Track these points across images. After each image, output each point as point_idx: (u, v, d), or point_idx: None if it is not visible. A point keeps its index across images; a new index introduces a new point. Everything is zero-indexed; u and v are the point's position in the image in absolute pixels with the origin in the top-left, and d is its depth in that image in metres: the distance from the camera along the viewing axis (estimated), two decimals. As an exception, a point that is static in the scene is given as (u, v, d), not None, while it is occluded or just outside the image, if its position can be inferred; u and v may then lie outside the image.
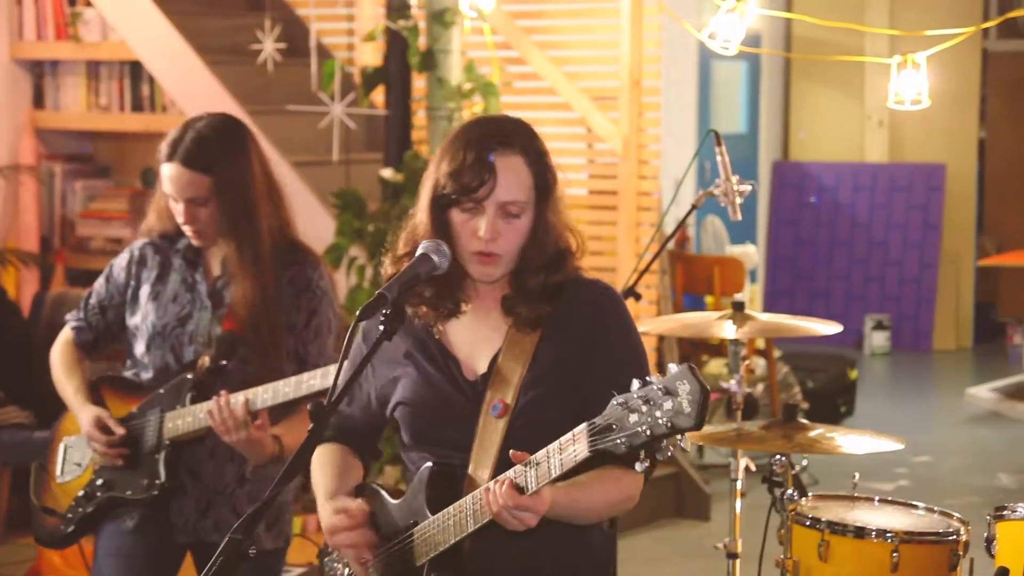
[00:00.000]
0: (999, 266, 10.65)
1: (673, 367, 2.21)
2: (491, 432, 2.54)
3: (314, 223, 6.15)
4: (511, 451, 2.39)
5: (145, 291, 3.47)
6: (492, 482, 2.39)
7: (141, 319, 3.46)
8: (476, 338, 2.63)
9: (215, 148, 3.35)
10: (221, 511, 3.42)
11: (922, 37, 4.88)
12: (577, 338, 2.58)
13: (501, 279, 2.60)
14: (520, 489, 2.35)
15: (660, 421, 2.17)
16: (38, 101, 7.24)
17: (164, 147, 3.37)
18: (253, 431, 3.20)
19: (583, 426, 2.28)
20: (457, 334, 2.65)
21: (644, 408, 2.19)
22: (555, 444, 2.33)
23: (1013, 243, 11.31)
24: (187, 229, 3.37)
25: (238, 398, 3.20)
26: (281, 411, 3.31)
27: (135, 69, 6.96)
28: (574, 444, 2.29)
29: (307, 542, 5.01)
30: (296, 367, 3.35)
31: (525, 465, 2.36)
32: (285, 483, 2.31)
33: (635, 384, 2.23)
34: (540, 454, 2.35)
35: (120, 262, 3.54)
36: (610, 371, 2.52)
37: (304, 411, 3.29)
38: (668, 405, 2.17)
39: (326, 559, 2.77)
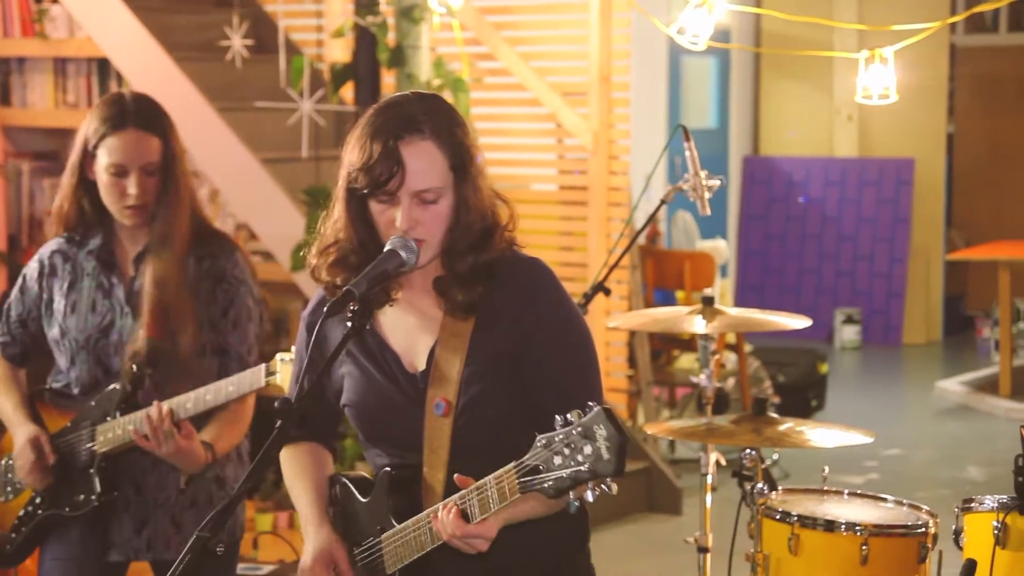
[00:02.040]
0: (968, 260, 10.70)
1: (592, 407, 2.17)
2: (438, 432, 2.50)
3: (284, 220, 6.14)
4: (455, 475, 2.36)
5: (59, 303, 3.37)
6: (440, 506, 2.37)
7: (60, 334, 3.36)
8: (411, 327, 2.57)
9: (160, 112, 3.33)
10: (159, 525, 3.35)
11: (890, 32, 4.90)
12: (511, 328, 2.50)
13: (431, 263, 2.53)
14: (466, 516, 2.33)
15: (581, 468, 2.15)
16: (4, 98, 7.19)
17: (104, 121, 3.28)
18: (180, 441, 3.14)
19: (511, 466, 2.25)
20: (392, 323, 2.59)
21: (566, 451, 2.17)
22: (491, 478, 2.30)
23: (982, 237, 11.37)
24: (131, 203, 3.25)
25: (162, 408, 3.13)
26: (205, 417, 3.25)
27: (103, 66, 6.92)
28: (506, 480, 2.27)
29: (279, 539, 5.00)
30: (220, 360, 3.30)
31: (468, 491, 2.34)
32: (252, 481, 2.31)
33: (557, 420, 2.19)
34: (482, 482, 2.32)
35: (31, 273, 3.44)
36: (549, 361, 2.48)
37: (229, 413, 3.26)
38: (588, 450, 2.15)
39: None
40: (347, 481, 2.66)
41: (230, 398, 3.13)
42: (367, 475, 2.67)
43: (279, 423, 2.31)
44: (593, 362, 2.56)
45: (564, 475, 2.17)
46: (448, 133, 2.48)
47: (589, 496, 2.18)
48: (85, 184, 3.32)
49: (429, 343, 2.55)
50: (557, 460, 2.17)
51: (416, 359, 2.56)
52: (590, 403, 2.17)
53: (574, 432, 2.16)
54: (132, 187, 3.25)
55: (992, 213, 12.02)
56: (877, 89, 4.69)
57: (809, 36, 10.72)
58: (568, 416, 2.18)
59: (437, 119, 2.48)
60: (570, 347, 2.52)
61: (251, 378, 3.12)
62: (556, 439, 2.18)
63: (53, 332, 3.38)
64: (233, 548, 3.49)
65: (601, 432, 2.14)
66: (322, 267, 2.56)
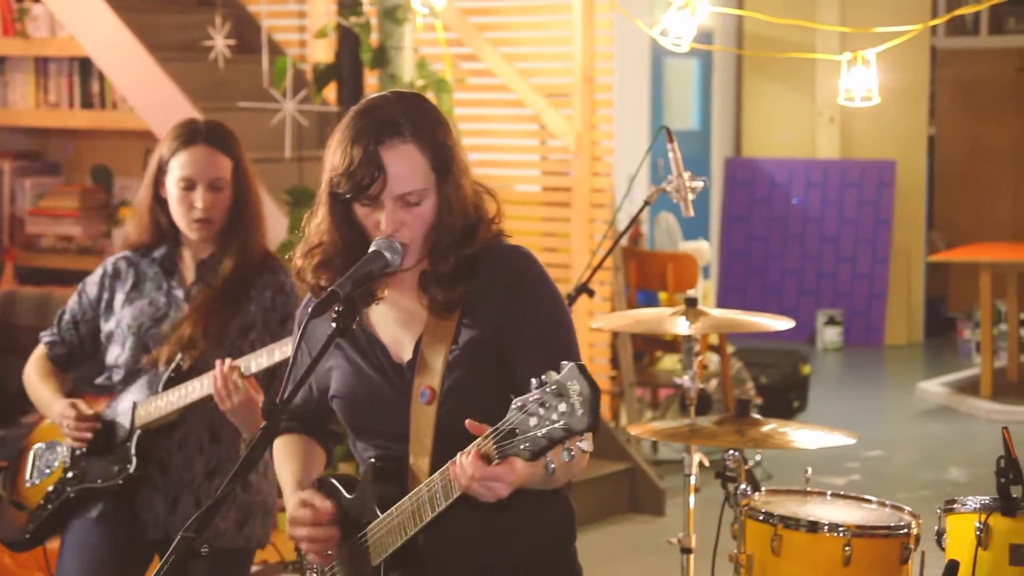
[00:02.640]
0: (949, 262, 10.74)
1: (564, 365, 2.15)
2: (423, 420, 2.51)
3: (267, 220, 6.12)
4: (467, 421, 2.31)
5: (119, 299, 3.53)
6: (459, 455, 2.32)
7: (115, 324, 3.51)
8: (399, 321, 2.59)
9: (231, 136, 3.53)
10: (188, 506, 3.44)
11: (872, 34, 4.91)
12: (495, 315, 2.51)
13: (416, 264, 2.54)
14: (487, 458, 2.28)
15: (556, 426, 2.14)
16: (-14, 98, 7.18)
17: (176, 139, 3.46)
18: (250, 391, 3.25)
19: (488, 431, 2.24)
20: (380, 318, 2.60)
21: (541, 411, 2.15)
22: (473, 444, 2.29)
23: (963, 239, 11.41)
24: (198, 216, 3.42)
25: (228, 362, 3.27)
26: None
27: (84, 66, 6.90)
28: (483, 448, 2.25)
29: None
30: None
31: (486, 436, 2.30)
32: (239, 479, 2.30)
33: (533, 383, 2.18)
34: (500, 424, 2.29)
35: (93, 278, 3.60)
36: (533, 346, 2.49)
37: None
38: (562, 407, 2.13)
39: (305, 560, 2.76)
40: (334, 481, 2.66)
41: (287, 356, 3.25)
42: (352, 474, 2.69)
43: (264, 424, 2.31)
44: (573, 338, 2.57)
45: (539, 435, 2.16)
46: (429, 134, 2.48)
47: (565, 456, 2.16)
48: (159, 202, 3.49)
49: (416, 335, 2.56)
50: (532, 421, 2.16)
51: (403, 351, 2.58)
52: (563, 362, 2.16)
53: (547, 391, 2.15)
54: (199, 200, 3.42)
55: (973, 215, 12.06)
56: (859, 91, 4.71)
57: (791, 38, 10.75)
58: (543, 377, 2.17)
59: (418, 120, 2.48)
60: (551, 322, 2.52)
61: None
62: (530, 400, 2.17)
63: (109, 325, 3.52)
64: (243, 557, 3.55)
65: (575, 387, 2.13)
66: (307, 269, 2.56)
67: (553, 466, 2.19)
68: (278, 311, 3.48)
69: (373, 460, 2.56)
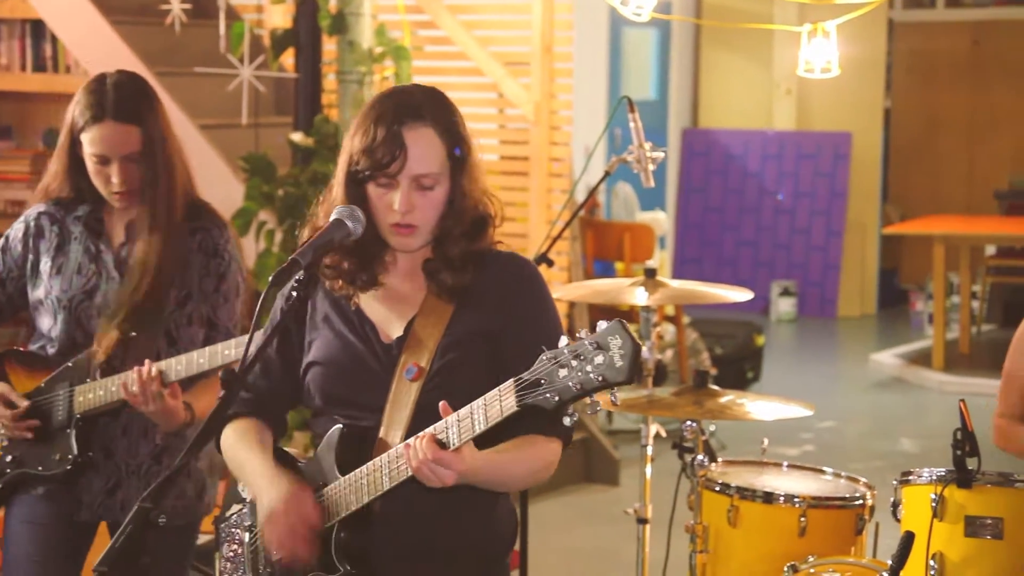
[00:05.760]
0: (903, 234, 10.81)
1: (603, 324, 2.23)
2: (404, 395, 2.54)
3: (223, 187, 6.07)
4: (441, 403, 2.39)
5: (46, 264, 3.38)
6: (413, 437, 2.39)
7: (44, 294, 3.37)
8: (391, 302, 2.64)
9: (140, 98, 3.31)
10: (131, 490, 3.36)
11: (830, 6, 4.92)
12: (495, 308, 2.59)
13: (420, 249, 2.61)
14: (441, 444, 2.36)
15: (591, 376, 2.20)
16: (-64, 60, 7.08)
17: (83, 111, 3.28)
18: (168, 400, 3.17)
19: (510, 381, 2.29)
20: (374, 301, 2.65)
21: (574, 363, 2.21)
22: (479, 401, 2.35)
23: (916, 211, 11.49)
24: (116, 189, 3.28)
25: (152, 369, 3.16)
26: (189, 379, 3.27)
27: (37, 28, 6.81)
28: (500, 399, 2.30)
29: (215, 509, 4.96)
30: (207, 332, 3.32)
31: (449, 420, 2.37)
32: (196, 451, 2.29)
33: (563, 340, 2.25)
34: (464, 410, 2.36)
35: (16, 233, 3.44)
36: (526, 344, 2.50)
37: (212, 379, 3.26)
38: (599, 359, 2.20)
39: (223, 525, 2.74)
40: (285, 450, 2.66)
41: (226, 361, 3.14)
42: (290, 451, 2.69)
43: (223, 393, 2.30)
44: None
45: (570, 385, 2.22)
46: (448, 123, 2.57)
47: (588, 410, 2.23)
48: (76, 162, 3.34)
49: (407, 317, 2.61)
50: (562, 372, 2.23)
51: (392, 330, 2.62)
52: (600, 321, 2.23)
53: (587, 343, 2.21)
54: (115, 175, 3.27)
55: (927, 188, 12.14)
56: (819, 63, 4.72)
57: (749, 9, 10.76)
58: (578, 333, 2.24)
59: (438, 109, 2.58)
60: (548, 334, 2.54)
61: (227, 350, 3.14)
62: (564, 351, 2.23)
63: (37, 293, 3.38)
64: (184, 533, 3.47)
65: (616, 342, 2.20)
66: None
67: (576, 417, 2.26)
68: (212, 275, 3.34)
69: (340, 426, 2.57)
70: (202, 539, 4.52)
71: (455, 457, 2.36)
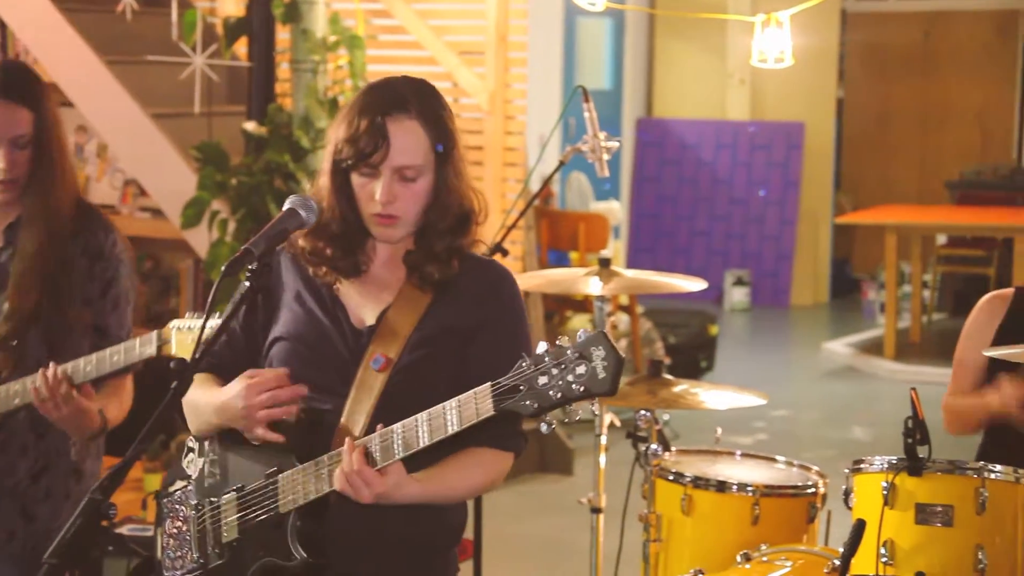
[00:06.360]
0: (855, 223, 10.88)
1: (583, 333, 2.24)
2: (369, 385, 2.54)
3: (175, 177, 6.04)
4: (378, 426, 2.40)
5: None
6: (350, 441, 2.41)
7: None
8: (367, 292, 2.64)
9: (32, 81, 3.12)
10: (6, 513, 3.14)
11: (784, -4, 4.94)
12: (471, 308, 2.60)
13: (402, 240, 2.61)
14: (371, 459, 2.38)
15: (573, 386, 2.21)
16: None
17: None
18: (80, 402, 2.99)
19: (487, 385, 2.30)
20: (350, 286, 2.65)
21: (555, 371, 2.22)
22: (453, 402, 2.35)
23: (869, 201, 11.57)
24: (0, 177, 3.05)
25: (57, 372, 2.97)
26: (94, 384, 3.08)
27: (-14, 16, 6.74)
28: (476, 402, 2.31)
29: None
30: (95, 340, 3.12)
31: (420, 418, 2.38)
32: (148, 442, 2.27)
33: (543, 346, 2.25)
34: (436, 409, 2.36)
35: None
36: (496, 348, 2.54)
37: (121, 381, 3.14)
38: (581, 370, 2.21)
39: (165, 500, 2.71)
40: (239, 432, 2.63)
41: (130, 361, 2.99)
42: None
43: (175, 384, 2.28)
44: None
45: (551, 393, 2.22)
46: (434, 115, 2.57)
47: (564, 417, 2.24)
48: None
49: (382, 305, 2.61)
50: (542, 380, 2.23)
51: (365, 316, 2.62)
52: (581, 330, 2.24)
53: (568, 352, 2.22)
54: (0, 160, 3.06)
55: (879, 177, 12.22)
56: (773, 53, 4.73)
57: (703, -1, 10.78)
58: (558, 341, 2.25)
59: (424, 101, 2.58)
60: (517, 343, 2.58)
61: (144, 345, 2.98)
62: (546, 359, 2.23)
63: None
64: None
65: (599, 353, 2.21)
66: (301, 234, 2.62)
67: (552, 426, 2.25)
68: (97, 280, 3.13)
69: (301, 409, 2.55)
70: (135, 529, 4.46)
71: (374, 477, 2.37)
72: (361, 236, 2.61)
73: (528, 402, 2.24)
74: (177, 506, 2.69)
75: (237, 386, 2.53)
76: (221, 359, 2.66)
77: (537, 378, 2.24)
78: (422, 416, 2.38)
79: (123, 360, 2.99)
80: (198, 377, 2.63)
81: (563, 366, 2.22)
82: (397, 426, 2.40)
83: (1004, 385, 3.52)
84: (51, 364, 2.98)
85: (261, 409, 2.50)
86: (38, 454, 3.16)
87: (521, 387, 2.25)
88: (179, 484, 2.71)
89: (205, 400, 2.60)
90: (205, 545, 2.63)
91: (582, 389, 2.21)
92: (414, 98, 2.57)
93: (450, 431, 2.35)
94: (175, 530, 2.69)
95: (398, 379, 2.54)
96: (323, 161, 2.63)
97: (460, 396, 2.34)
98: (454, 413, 2.34)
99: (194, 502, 2.66)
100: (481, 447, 2.54)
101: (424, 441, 2.38)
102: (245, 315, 2.62)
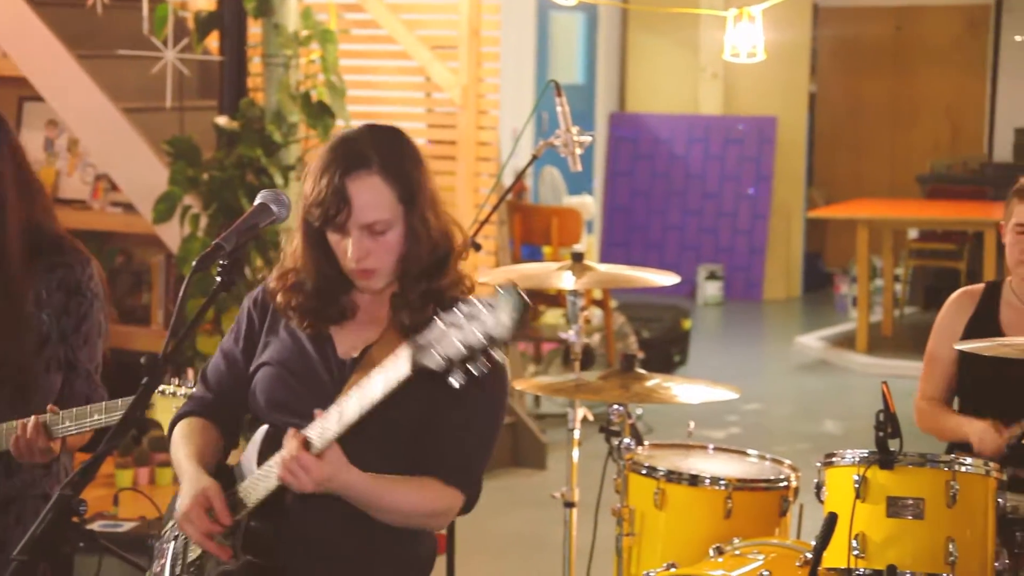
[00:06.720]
0: (827, 218, 10.91)
1: (503, 288, 2.19)
2: None
3: (146, 171, 6.01)
4: (315, 410, 2.40)
5: None
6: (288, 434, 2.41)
7: None
8: (355, 328, 2.65)
9: None
10: None
11: (757, -9, 4.95)
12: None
13: (387, 287, 2.62)
14: (308, 445, 2.37)
15: (476, 334, 2.17)
16: None
17: None
18: (56, 451, 2.96)
19: (405, 345, 2.26)
20: (340, 325, 2.67)
21: (465, 324, 2.18)
22: (354, 389, 2.34)
23: (840, 195, 11.61)
24: None
25: (37, 426, 2.92)
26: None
27: (-45, 9, 6.68)
28: (396, 364, 2.27)
29: (139, 495, 4.92)
30: (65, 375, 3.09)
31: (319, 420, 2.37)
32: (117, 440, 2.26)
33: (461, 305, 2.21)
34: (334, 406, 2.36)
35: None
36: (458, 417, 2.59)
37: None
38: (488, 319, 2.16)
39: (156, 543, 2.73)
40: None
41: (110, 423, 2.87)
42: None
43: (145, 379, 2.27)
44: (489, 447, 2.72)
45: (458, 345, 2.17)
46: (396, 166, 2.56)
47: (473, 370, 2.18)
48: None
49: (368, 341, 2.62)
50: (453, 333, 2.19)
51: (351, 350, 2.63)
52: (497, 285, 2.21)
53: (479, 304, 2.18)
54: None
55: (851, 172, 12.27)
56: (745, 47, 4.74)
57: (676, -6, 10.78)
58: (471, 297, 2.24)
59: (387, 153, 2.56)
60: (482, 420, 2.66)
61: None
62: (458, 313, 2.19)
63: None
64: None
65: (509, 301, 2.16)
66: (278, 290, 2.66)
67: (461, 380, 2.20)
68: (72, 315, 3.07)
69: (266, 426, 2.57)
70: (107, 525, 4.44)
71: (312, 461, 2.36)
72: (347, 284, 2.62)
73: (438, 355, 2.19)
74: (164, 545, 2.71)
75: (192, 489, 2.52)
76: (222, 385, 2.69)
77: (449, 332, 2.19)
78: (354, 391, 2.36)
79: (103, 421, 2.92)
80: (185, 430, 2.67)
81: (473, 318, 2.17)
82: (332, 408, 2.39)
83: (988, 433, 3.56)
84: (34, 418, 2.93)
85: (197, 535, 2.50)
86: (7, 489, 3.12)
87: (434, 342, 2.20)
88: (169, 524, 2.73)
89: (178, 460, 2.63)
90: (175, 568, 2.64)
91: (483, 335, 2.16)
92: (374, 152, 2.55)
93: (376, 396, 2.31)
94: (158, 568, 2.70)
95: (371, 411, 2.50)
96: (298, 218, 2.63)
97: (385, 360, 2.31)
98: (379, 380, 2.31)
99: (175, 534, 2.67)
100: (432, 477, 2.55)
101: (354, 411, 2.34)
102: (245, 343, 2.65)
